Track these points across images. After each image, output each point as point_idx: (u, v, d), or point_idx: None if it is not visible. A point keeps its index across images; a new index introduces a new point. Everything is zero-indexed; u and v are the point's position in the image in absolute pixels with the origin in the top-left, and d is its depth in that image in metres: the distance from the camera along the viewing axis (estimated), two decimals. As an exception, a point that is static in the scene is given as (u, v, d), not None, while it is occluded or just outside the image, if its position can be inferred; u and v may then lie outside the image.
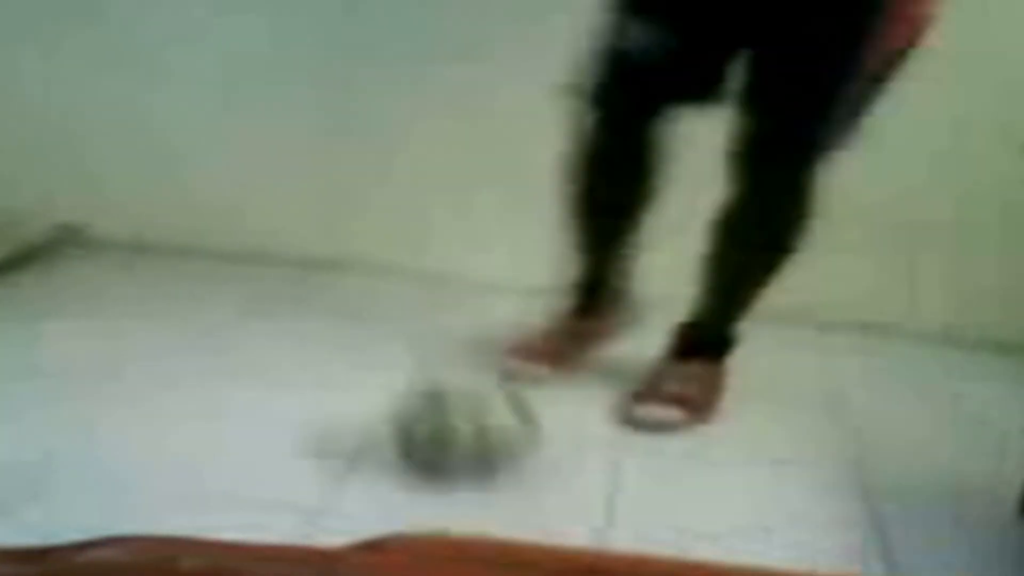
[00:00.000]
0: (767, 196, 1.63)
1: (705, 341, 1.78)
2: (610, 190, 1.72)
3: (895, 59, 1.52)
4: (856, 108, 1.54)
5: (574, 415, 1.69)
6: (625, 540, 1.35)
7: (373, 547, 0.63)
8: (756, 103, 1.57)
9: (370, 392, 1.61)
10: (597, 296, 1.85)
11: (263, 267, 2.28)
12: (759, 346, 1.95)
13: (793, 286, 2.10)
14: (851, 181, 2.09)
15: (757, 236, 1.66)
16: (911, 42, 1.50)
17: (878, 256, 2.11)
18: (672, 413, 1.68)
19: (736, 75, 1.58)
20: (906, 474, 1.58)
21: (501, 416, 1.48)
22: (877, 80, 1.52)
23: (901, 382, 1.94)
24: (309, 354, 1.88)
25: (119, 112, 2.31)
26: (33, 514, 1.32)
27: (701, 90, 1.61)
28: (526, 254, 2.09)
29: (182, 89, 2.28)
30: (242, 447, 1.54)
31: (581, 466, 1.55)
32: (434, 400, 1.48)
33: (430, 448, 1.46)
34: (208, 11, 2.21)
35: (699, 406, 1.71)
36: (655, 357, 1.80)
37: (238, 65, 2.23)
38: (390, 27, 2.13)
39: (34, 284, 2.17)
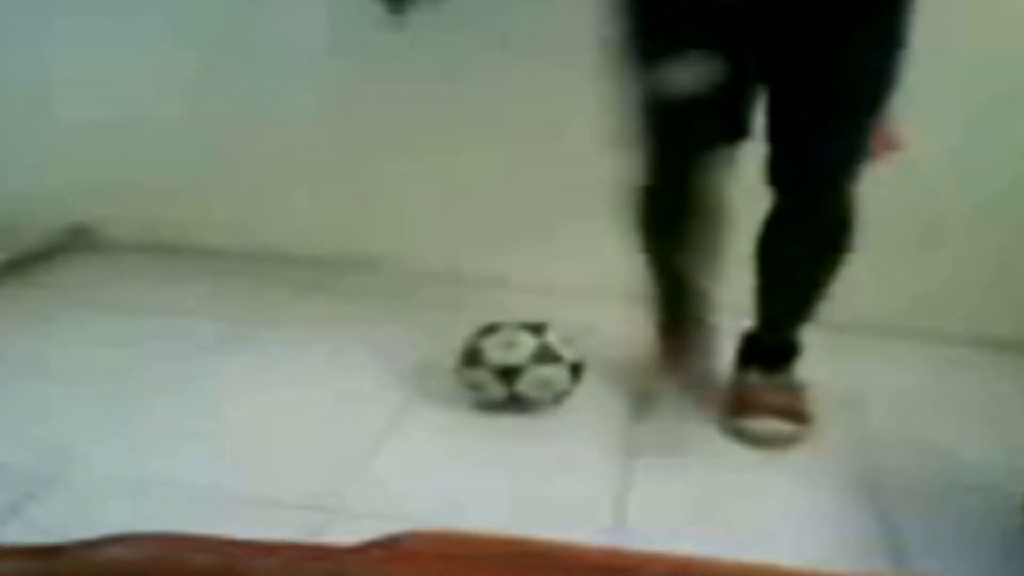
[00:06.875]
0: (803, 216, 1.61)
1: (772, 351, 1.76)
2: (679, 235, 1.69)
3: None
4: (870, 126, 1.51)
5: (585, 414, 1.70)
6: (634, 538, 1.35)
7: (384, 545, 0.63)
8: (781, 134, 1.54)
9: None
10: (685, 318, 1.80)
11: (275, 267, 2.28)
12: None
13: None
14: (865, 183, 2.09)
15: (796, 251, 1.64)
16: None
17: (888, 257, 2.10)
18: (785, 426, 1.66)
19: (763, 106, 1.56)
20: (918, 472, 1.58)
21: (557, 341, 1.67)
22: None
23: (912, 381, 1.93)
24: (322, 355, 1.89)
25: (129, 113, 2.32)
26: (45, 513, 1.32)
27: (737, 127, 1.57)
28: (545, 253, 2.16)
29: (194, 91, 2.28)
30: (255, 447, 1.55)
31: (591, 464, 1.55)
32: (496, 325, 1.68)
33: (500, 351, 1.62)
34: (218, 13, 2.21)
35: (803, 416, 1.69)
36: (727, 369, 1.79)
37: (254, 68, 2.24)
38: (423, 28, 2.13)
39: (45, 284, 2.18)
